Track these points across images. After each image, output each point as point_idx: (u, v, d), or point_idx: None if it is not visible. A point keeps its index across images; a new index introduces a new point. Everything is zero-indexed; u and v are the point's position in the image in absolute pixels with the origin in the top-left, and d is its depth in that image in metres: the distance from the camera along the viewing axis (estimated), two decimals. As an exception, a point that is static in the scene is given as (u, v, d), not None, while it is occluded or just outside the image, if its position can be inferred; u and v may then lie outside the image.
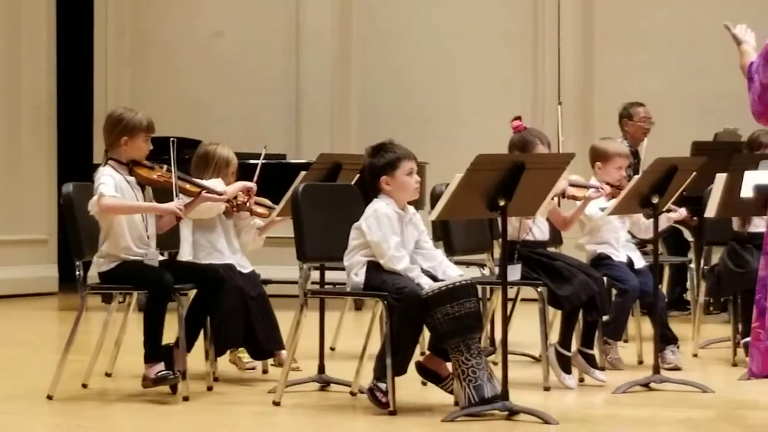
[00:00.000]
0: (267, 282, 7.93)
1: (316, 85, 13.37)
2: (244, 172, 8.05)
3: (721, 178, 8.11)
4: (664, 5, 12.57)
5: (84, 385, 7.34)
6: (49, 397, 6.94)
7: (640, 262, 8.27)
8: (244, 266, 7.72)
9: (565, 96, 12.85)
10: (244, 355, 7.82)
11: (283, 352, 7.48)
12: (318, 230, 7.13)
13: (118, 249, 7.04)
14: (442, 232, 7.78)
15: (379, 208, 6.75)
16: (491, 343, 7.98)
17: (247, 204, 7.56)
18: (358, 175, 7.24)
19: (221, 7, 13.54)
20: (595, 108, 12.69)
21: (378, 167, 6.83)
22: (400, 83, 13.21)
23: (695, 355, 8.70)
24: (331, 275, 7.75)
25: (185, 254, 7.60)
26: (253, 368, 7.84)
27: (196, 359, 7.36)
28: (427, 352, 6.90)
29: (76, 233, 7.23)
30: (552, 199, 7.34)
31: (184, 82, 13.48)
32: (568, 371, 7.55)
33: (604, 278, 7.86)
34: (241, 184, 7.59)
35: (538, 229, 7.73)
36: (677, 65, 12.50)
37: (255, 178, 7.74)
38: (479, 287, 7.21)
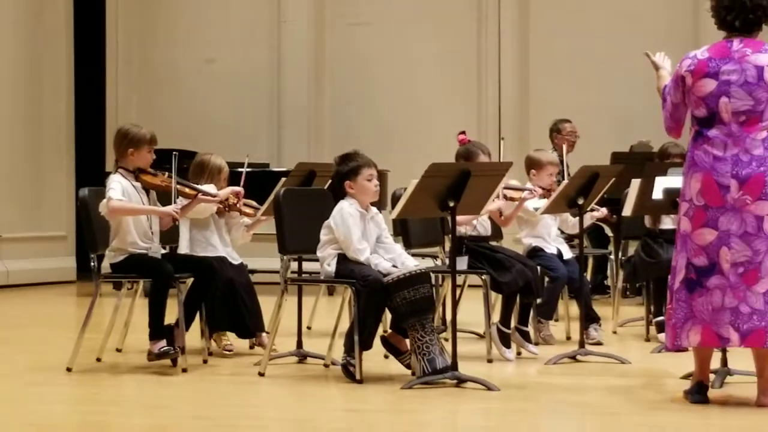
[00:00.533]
0: (253, 271, 7.92)
1: (295, 104, 13.33)
2: (234, 177, 8.04)
3: (635, 183, 8.13)
4: (589, 35, 12.58)
5: (98, 359, 7.32)
6: (68, 370, 6.92)
7: (568, 254, 8.28)
8: (234, 258, 7.70)
9: (505, 112, 12.90)
10: (226, 337, 7.79)
11: (264, 334, 7.46)
12: (296, 227, 7.12)
13: (126, 244, 7.03)
14: (401, 229, 7.79)
15: (344, 207, 6.75)
16: (443, 322, 7.97)
17: (237, 205, 7.54)
18: (330, 181, 7.24)
19: (213, 37, 13.46)
20: (530, 123, 12.68)
21: (343, 173, 6.84)
22: (367, 103, 13.17)
23: (614, 332, 8.70)
24: (307, 265, 7.73)
25: (183, 248, 7.58)
26: (231, 350, 7.74)
27: (193, 337, 7.35)
28: (389, 331, 6.91)
29: (90, 230, 7.22)
30: (493, 201, 7.35)
31: (182, 102, 13.42)
32: (508, 346, 7.55)
33: (538, 267, 7.86)
34: (230, 188, 7.58)
35: (481, 225, 7.75)
36: (599, 87, 12.51)
37: (242, 183, 7.73)
38: (432, 275, 7.20)
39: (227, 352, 7.74)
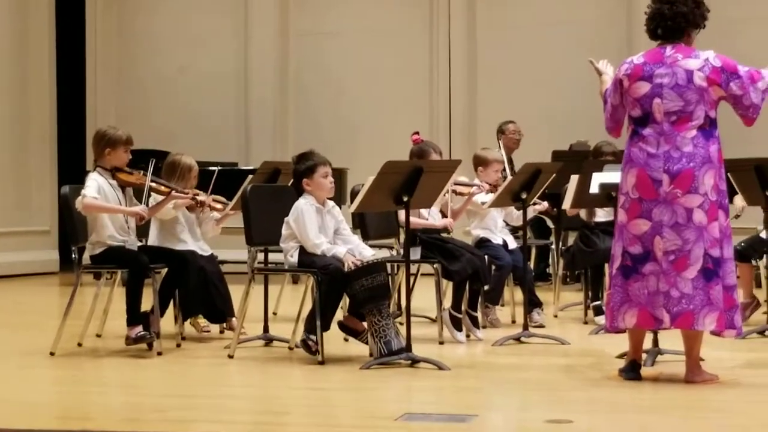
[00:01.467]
0: (223, 262, 7.89)
1: (261, 109, 13.33)
2: (204, 176, 8.03)
3: (574, 179, 8.17)
4: (531, 45, 12.62)
5: (79, 344, 7.28)
6: (52, 354, 6.87)
7: (512, 244, 8.31)
8: (205, 250, 7.67)
9: (455, 114, 12.93)
10: (202, 321, 7.78)
11: (234, 318, 7.44)
12: (262, 221, 7.12)
13: (104, 237, 7.01)
14: (359, 222, 7.78)
15: (300, 205, 6.76)
16: (398, 308, 7.96)
17: (206, 201, 7.53)
18: (292, 179, 7.23)
19: (185, 47, 13.44)
20: (477, 124, 12.71)
21: (300, 171, 6.85)
22: (328, 107, 13.18)
23: (555, 316, 8.75)
24: (272, 256, 7.71)
25: (152, 241, 7.57)
26: (209, 331, 7.79)
27: (167, 323, 7.32)
28: (347, 314, 6.90)
29: (72, 225, 7.20)
30: (444, 195, 7.36)
31: (157, 105, 13.39)
32: (459, 329, 7.56)
33: (485, 256, 7.87)
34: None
35: (433, 218, 7.76)
36: (540, 91, 12.53)
37: (209, 190, 7.70)
38: (388, 264, 7.21)
39: (205, 333, 7.76)
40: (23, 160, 12.79)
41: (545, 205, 8.72)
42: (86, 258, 7.14)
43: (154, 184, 7.16)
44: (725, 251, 5.85)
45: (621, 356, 6.24)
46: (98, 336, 7.60)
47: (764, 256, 8.14)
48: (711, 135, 5.83)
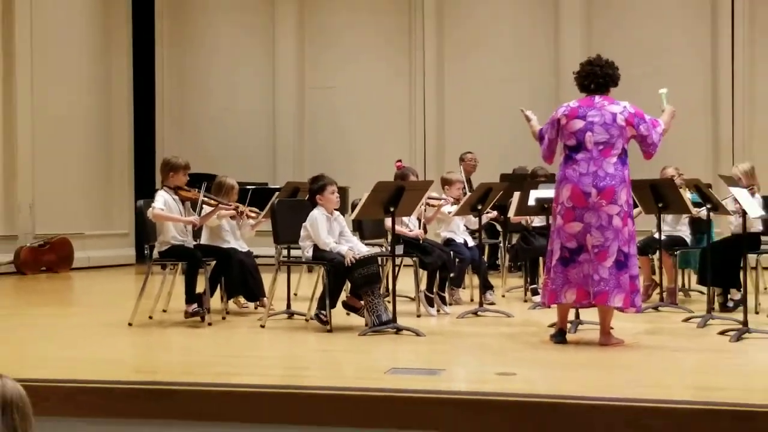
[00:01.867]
0: (257, 256, 7.86)
1: (284, 142, 13.34)
2: (242, 193, 8.06)
3: (516, 194, 8.18)
4: (486, 92, 12.63)
5: (150, 317, 7.25)
6: (129, 324, 6.86)
7: (471, 243, 8.30)
8: (243, 247, 7.65)
9: (428, 146, 12.93)
10: (242, 299, 7.77)
11: (265, 298, 7.42)
12: (286, 226, 7.11)
13: (168, 238, 7.01)
14: (357, 226, 7.79)
15: (314, 214, 6.76)
16: (386, 290, 7.95)
17: (245, 212, 7.53)
18: (308, 195, 7.22)
19: (228, 94, 13.45)
20: (445, 153, 12.72)
21: (314, 190, 6.87)
22: (334, 140, 13.19)
23: (503, 296, 8.73)
24: (293, 252, 7.70)
25: (204, 241, 7.56)
26: (246, 307, 7.78)
27: (215, 302, 7.30)
28: (349, 295, 6.89)
29: (145, 229, 7.23)
30: (420, 207, 7.36)
31: (208, 139, 13.38)
32: (431, 306, 7.56)
33: (451, 252, 7.88)
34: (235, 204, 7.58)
35: (412, 224, 7.75)
36: (492, 130, 12.55)
37: (246, 203, 7.71)
38: (379, 258, 7.20)
39: (244, 309, 7.76)
40: (109, 181, 12.77)
41: (495, 213, 8.74)
42: (155, 254, 7.13)
43: (205, 199, 7.18)
44: (632, 249, 5.89)
45: (551, 326, 6.23)
46: (164, 311, 7.58)
47: (657, 251, 8.15)
48: (625, 162, 5.90)
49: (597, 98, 5.97)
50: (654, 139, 5.91)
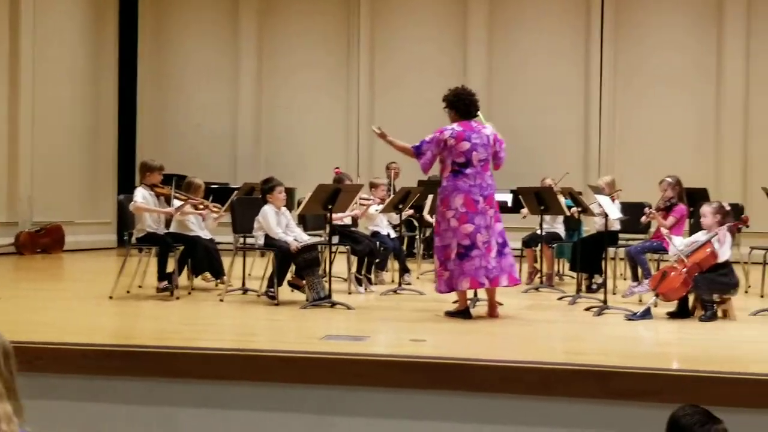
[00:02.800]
0: (219, 243, 7.76)
1: (244, 150, 13.16)
2: (208, 191, 7.94)
3: (430, 197, 8.21)
4: (407, 110, 12.66)
5: (128, 292, 7.14)
6: (110, 297, 6.74)
7: (393, 234, 8.33)
8: (207, 235, 7.55)
9: (362, 156, 12.89)
10: (208, 275, 7.66)
11: (224, 277, 7.34)
12: (242, 219, 7.06)
13: (144, 226, 6.91)
14: (302, 220, 7.74)
15: (265, 209, 6.74)
16: (324, 271, 7.94)
17: (209, 207, 7.44)
18: (261, 194, 7.16)
19: (198, 110, 13.24)
20: (374, 162, 12.70)
21: (265, 190, 6.84)
22: (284, 150, 13.06)
23: (418, 278, 8.75)
24: (249, 240, 7.63)
25: (173, 229, 7.40)
26: (212, 281, 7.66)
27: (183, 280, 7.20)
28: (293, 276, 6.86)
29: (125, 219, 7.10)
30: (353, 205, 7.36)
31: (181, 145, 13.14)
32: (360, 285, 7.57)
33: (377, 242, 7.90)
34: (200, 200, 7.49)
35: (348, 219, 7.75)
36: (412, 140, 12.55)
37: (210, 199, 7.61)
38: (319, 246, 7.18)
39: (210, 282, 7.66)
40: (96, 178, 12.47)
41: (412, 211, 8.77)
42: (133, 239, 7.02)
43: (176, 195, 7.08)
44: (506, 240, 5.99)
45: (455, 302, 6.27)
46: (140, 287, 7.46)
47: (539, 244, 8.26)
48: (492, 174, 6.00)
49: (473, 123, 5.99)
50: (504, 157, 6.04)
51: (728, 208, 6.17)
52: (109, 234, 12.62)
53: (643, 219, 7.52)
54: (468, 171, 5.91)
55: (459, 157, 5.93)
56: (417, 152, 6.07)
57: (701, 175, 11.32)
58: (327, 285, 6.56)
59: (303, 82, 13.10)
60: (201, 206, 7.36)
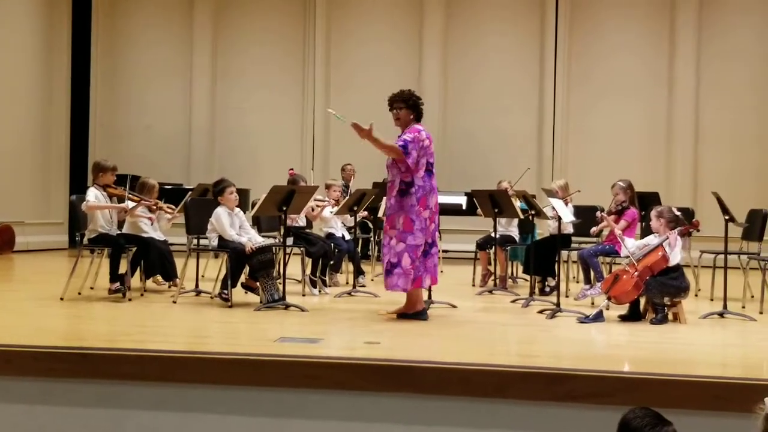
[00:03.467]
0: (172, 244, 7.70)
1: (198, 150, 13.04)
2: (162, 192, 7.87)
3: (385, 199, 8.21)
4: (368, 109, 12.66)
5: (79, 293, 7.04)
6: (61, 299, 6.65)
7: (348, 236, 8.34)
8: (160, 236, 7.48)
9: (316, 157, 12.86)
10: (159, 278, 7.60)
11: (177, 279, 7.28)
12: (196, 220, 7.00)
13: (97, 227, 6.83)
14: (256, 221, 7.70)
15: (218, 211, 6.73)
16: (278, 273, 7.92)
17: (162, 207, 7.37)
18: (212, 195, 7.12)
19: (151, 111, 13.08)
20: (329, 164, 12.68)
21: (217, 191, 6.84)
22: (239, 151, 12.98)
23: (372, 280, 8.73)
24: (202, 241, 7.57)
25: (126, 230, 7.34)
26: (164, 284, 7.60)
27: (135, 281, 7.13)
28: (247, 277, 6.83)
29: (77, 219, 7.00)
30: (308, 206, 7.35)
31: (134, 146, 12.98)
32: (314, 287, 7.56)
33: (332, 244, 7.90)
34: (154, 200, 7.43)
35: (302, 220, 7.74)
36: (370, 146, 12.58)
37: (163, 200, 7.57)
38: (274, 248, 7.15)
39: (162, 285, 7.60)
40: (47, 178, 12.27)
41: (367, 213, 8.79)
42: (85, 240, 6.93)
43: (130, 195, 7.02)
44: (436, 240, 6.08)
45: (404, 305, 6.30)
46: (91, 288, 7.36)
47: (493, 246, 8.34)
48: None
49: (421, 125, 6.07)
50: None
51: (678, 213, 6.30)
52: (61, 235, 12.42)
53: (594, 230, 7.55)
54: (434, 171, 6.05)
55: (431, 157, 6.04)
56: (407, 152, 6.01)
57: (653, 180, 11.56)
58: (281, 287, 6.53)
59: (258, 81, 13.03)
60: (154, 207, 7.29)
